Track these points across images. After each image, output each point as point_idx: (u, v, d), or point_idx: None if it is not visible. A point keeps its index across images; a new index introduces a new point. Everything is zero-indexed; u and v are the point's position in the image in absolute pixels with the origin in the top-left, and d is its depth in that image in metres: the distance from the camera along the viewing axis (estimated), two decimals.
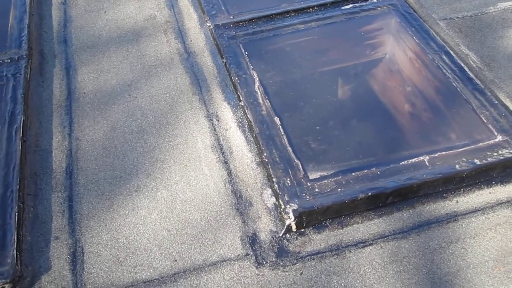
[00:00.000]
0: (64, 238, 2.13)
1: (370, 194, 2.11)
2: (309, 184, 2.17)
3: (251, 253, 2.05)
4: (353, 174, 2.20)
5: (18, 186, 2.22)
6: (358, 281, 1.96)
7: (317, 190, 2.15)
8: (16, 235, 2.07)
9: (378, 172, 2.19)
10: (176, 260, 2.04)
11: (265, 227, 2.13)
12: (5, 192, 2.21)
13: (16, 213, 2.13)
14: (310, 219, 2.09)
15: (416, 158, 2.24)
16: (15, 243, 2.04)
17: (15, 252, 2.02)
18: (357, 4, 3.00)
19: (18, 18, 3.04)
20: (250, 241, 2.09)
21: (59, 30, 3.08)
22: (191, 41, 2.97)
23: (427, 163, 2.22)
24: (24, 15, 3.05)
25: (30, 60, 2.79)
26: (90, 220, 2.19)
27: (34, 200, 2.26)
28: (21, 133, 2.42)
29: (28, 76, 2.71)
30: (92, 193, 2.28)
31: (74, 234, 2.14)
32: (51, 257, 2.07)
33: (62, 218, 2.20)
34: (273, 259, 2.03)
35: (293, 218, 2.07)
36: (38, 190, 2.30)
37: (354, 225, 2.12)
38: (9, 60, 2.77)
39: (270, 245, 2.07)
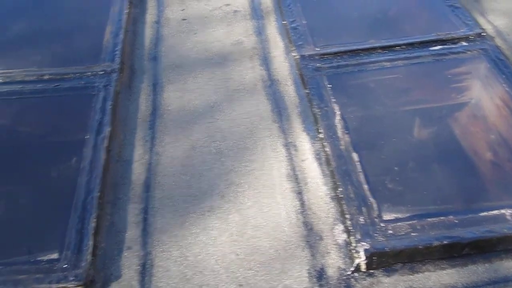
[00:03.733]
0: (136, 249, 2.19)
1: (445, 242, 2.05)
2: (382, 224, 2.14)
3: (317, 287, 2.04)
4: (429, 219, 2.14)
5: (99, 194, 2.32)
6: None
7: (390, 232, 2.11)
8: (92, 241, 2.16)
9: (456, 221, 2.13)
10: (241, 285, 2.05)
11: (333, 263, 2.11)
12: (86, 198, 2.31)
13: (95, 220, 2.22)
14: (380, 261, 2.05)
15: (496, 211, 2.15)
16: (91, 248, 2.13)
17: (89, 257, 2.10)
18: (446, 46, 2.95)
19: (114, 33, 3.20)
20: (317, 275, 2.07)
21: (150, 48, 3.22)
22: (275, 69, 3.01)
23: (508, 217, 2.13)
24: (120, 31, 3.20)
25: (121, 74, 2.92)
26: (162, 235, 2.24)
27: (112, 209, 2.34)
28: (107, 143, 2.53)
29: (118, 89, 2.84)
30: (167, 208, 2.34)
31: (146, 246, 2.20)
32: (122, 266, 2.14)
33: (136, 229, 2.26)
34: None
35: (363, 258, 2.04)
36: (117, 200, 2.38)
37: (425, 273, 2.06)
38: (102, 72, 2.92)
39: (337, 282, 2.05)
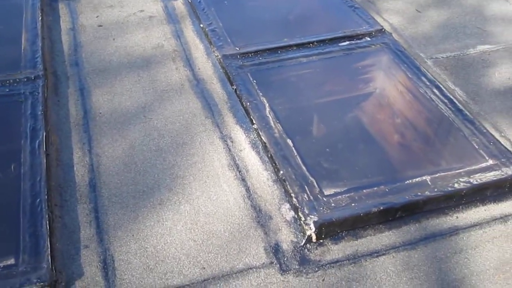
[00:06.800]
0: (94, 247, 2.21)
1: (382, 208, 2.31)
2: (325, 199, 2.35)
3: (275, 261, 2.19)
4: (364, 191, 2.39)
5: (46, 197, 2.30)
6: (375, 287, 2.13)
7: (333, 204, 2.33)
8: (48, 242, 2.14)
9: (387, 190, 2.39)
10: (204, 268, 2.16)
11: (286, 238, 2.28)
12: (33, 201, 2.28)
13: (47, 222, 2.20)
14: (328, 231, 2.26)
15: (419, 178, 2.45)
16: (49, 249, 2.11)
17: (49, 258, 2.09)
18: (353, 42, 3.27)
19: (31, 40, 3.14)
20: (273, 250, 2.23)
21: (70, 54, 3.20)
22: (199, 69, 3.14)
23: (429, 182, 2.44)
24: (37, 38, 3.16)
25: (46, 80, 2.88)
26: (117, 231, 2.28)
27: (60, 211, 2.33)
28: (44, 147, 2.51)
29: (46, 94, 2.80)
30: (117, 205, 2.38)
31: (103, 243, 2.23)
32: (82, 264, 2.14)
33: (90, 228, 2.28)
34: (296, 267, 2.17)
35: (314, 229, 2.24)
36: (64, 202, 2.37)
37: (367, 237, 2.30)
38: (25, 79, 2.86)
39: (293, 254, 2.22)
